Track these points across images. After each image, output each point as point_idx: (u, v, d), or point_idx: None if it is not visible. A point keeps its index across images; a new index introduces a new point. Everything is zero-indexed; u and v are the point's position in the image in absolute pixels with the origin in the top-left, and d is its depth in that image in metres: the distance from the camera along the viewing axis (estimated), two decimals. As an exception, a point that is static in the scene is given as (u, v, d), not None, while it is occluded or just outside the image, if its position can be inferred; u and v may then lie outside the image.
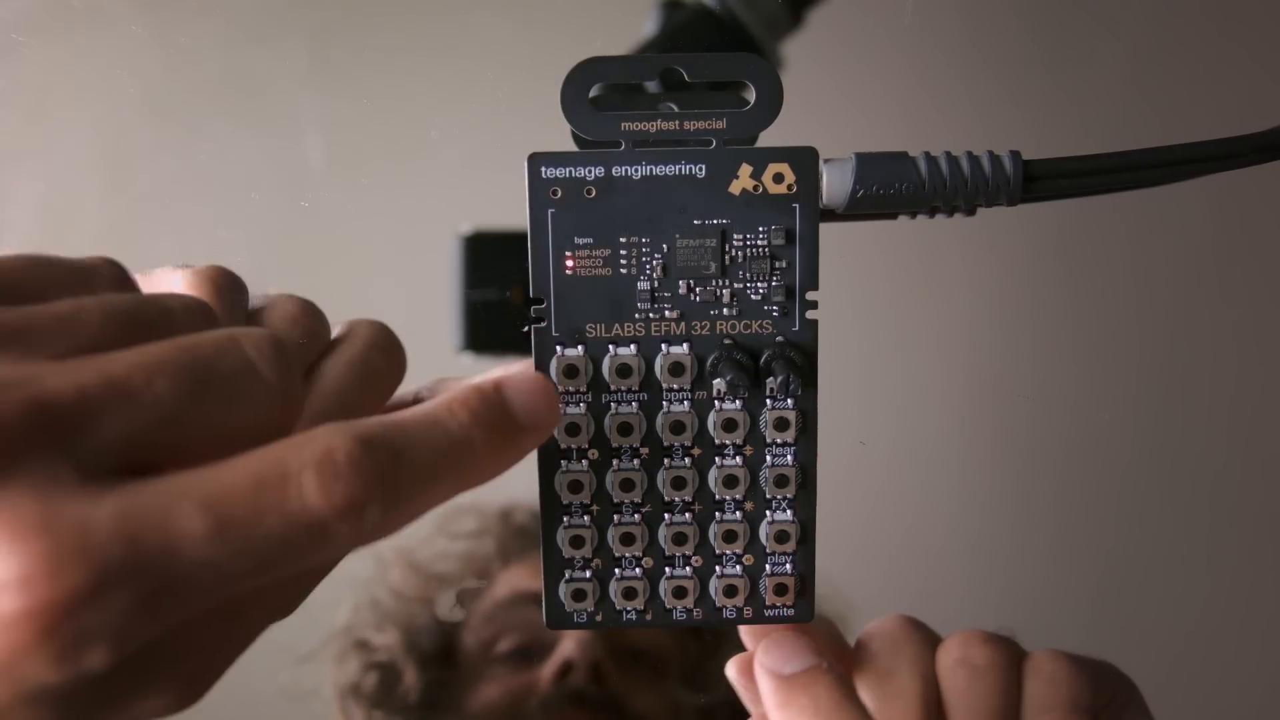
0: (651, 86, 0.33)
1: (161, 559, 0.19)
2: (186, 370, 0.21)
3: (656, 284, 0.29)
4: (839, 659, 0.33)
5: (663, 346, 0.30)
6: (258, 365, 0.22)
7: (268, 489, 0.20)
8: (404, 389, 0.32)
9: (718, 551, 0.31)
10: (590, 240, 0.29)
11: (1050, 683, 0.30)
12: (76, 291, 0.22)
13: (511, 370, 0.27)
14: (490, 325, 0.63)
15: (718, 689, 0.74)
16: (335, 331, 0.31)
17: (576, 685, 0.71)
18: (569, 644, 0.73)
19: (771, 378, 0.29)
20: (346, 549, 0.22)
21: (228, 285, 0.28)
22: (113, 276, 0.24)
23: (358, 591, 0.82)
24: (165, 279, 0.28)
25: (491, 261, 0.64)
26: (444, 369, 0.30)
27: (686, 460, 0.30)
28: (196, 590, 0.20)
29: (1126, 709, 0.33)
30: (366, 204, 0.84)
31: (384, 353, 0.29)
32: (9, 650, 0.19)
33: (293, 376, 0.23)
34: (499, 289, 0.62)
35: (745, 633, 0.32)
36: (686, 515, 0.31)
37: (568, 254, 0.29)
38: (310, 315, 0.29)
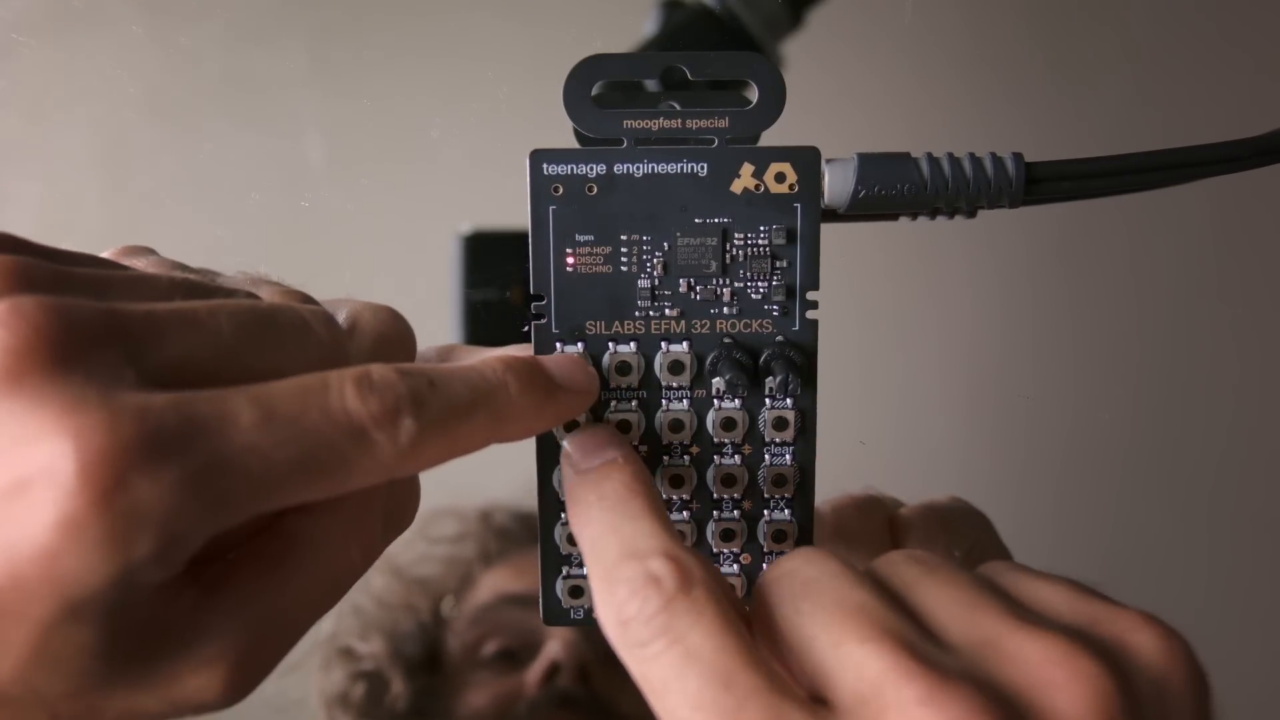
0: (652, 86, 0.33)
1: (212, 436, 0.20)
2: (248, 315, 0.23)
3: (657, 282, 0.29)
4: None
5: (662, 345, 0.30)
6: (312, 324, 0.24)
7: (311, 393, 0.22)
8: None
9: (715, 550, 0.31)
10: (591, 237, 0.29)
11: (926, 538, 0.33)
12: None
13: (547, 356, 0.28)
14: (490, 325, 0.63)
15: None
16: (342, 315, 0.31)
17: (563, 687, 0.71)
18: (555, 645, 0.72)
19: (771, 377, 0.29)
20: (389, 464, 0.22)
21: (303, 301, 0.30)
22: (180, 268, 0.27)
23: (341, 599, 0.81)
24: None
25: (491, 261, 0.64)
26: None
27: (685, 458, 0.30)
28: (247, 480, 0.20)
29: (988, 550, 0.35)
30: (366, 204, 0.84)
31: (391, 345, 0.30)
32: (58, 531, 0.19)
33: (340, 339, 0.25)
34: (499, 289, 0.62)
35: None
36: (684, 514, 0.31)
37: (568, 251, 0.29)
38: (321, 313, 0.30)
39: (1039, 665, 0.21)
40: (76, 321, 0.20)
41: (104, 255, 0.29)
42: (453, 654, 0.77)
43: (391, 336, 0.30)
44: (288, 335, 0.23)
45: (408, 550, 0.83)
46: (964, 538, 0.35)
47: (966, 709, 0.20)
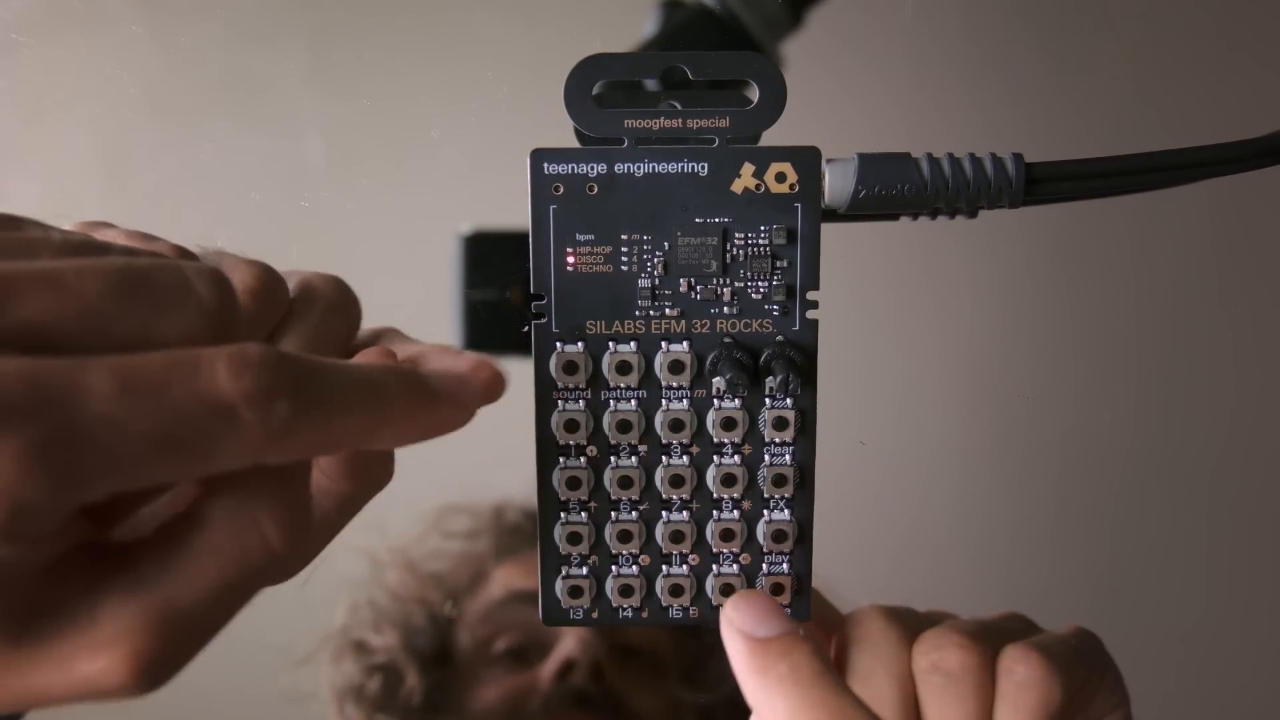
0: (652, 86, 0.33)
1: (62, 404, 0.19)
2: (121, 275, 0.21)
3: (657, 281, 0.29)
4: (822, 624, 0.33)
5: (663, 344, 0.30)
6: (195, 284, 0.22)
7: (178, 368, 0.20)
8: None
9: (715, 550, 0.31)
10: (592, 237, 0.29)
11: (1021, 686, 0.31)
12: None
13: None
14: (490, 325, 0.63)
15: (718, 688, 0.74)
16: (290, 284, 0.31)
17: (578, 685, 0.71)
18: (569, 643, 0.72)
19: (771, 377, 0.29)
20: (258, 447, 0.21)
21: (177, 253, 0.29)
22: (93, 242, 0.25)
23: (352, 592, 0.82)
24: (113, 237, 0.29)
25: (491, 261, 0.64)
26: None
27: (685, 458, 0.30)
28: (100, 454, 0.19)
29: (1098, 693, 0.33)
30: (367, 204, 0.84)
31: (341, 312, 0.30)
32: None
33: (228, 303, 0.23)
34: (499, 289, 0.62)
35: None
36: (684, 513, 0.31)
37: (569, 250, 0.29)
38: (266, 280, 0.30)
39: None
40: None
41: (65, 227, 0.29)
42: (464, 649, 0.78)
43: (336, 304, 0.30)
44: (165, 298, 0.22)
45: (421, 545, 0.83)
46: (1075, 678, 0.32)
47: None
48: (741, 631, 0.28)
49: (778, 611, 0.28)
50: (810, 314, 0.30)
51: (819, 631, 0.33)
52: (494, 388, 0.27)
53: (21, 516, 0.19)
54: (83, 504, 0.20)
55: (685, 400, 0.30)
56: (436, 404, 0.25)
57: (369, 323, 0.33)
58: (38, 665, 0.21)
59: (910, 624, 0.33)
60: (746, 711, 0.33)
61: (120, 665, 0.21)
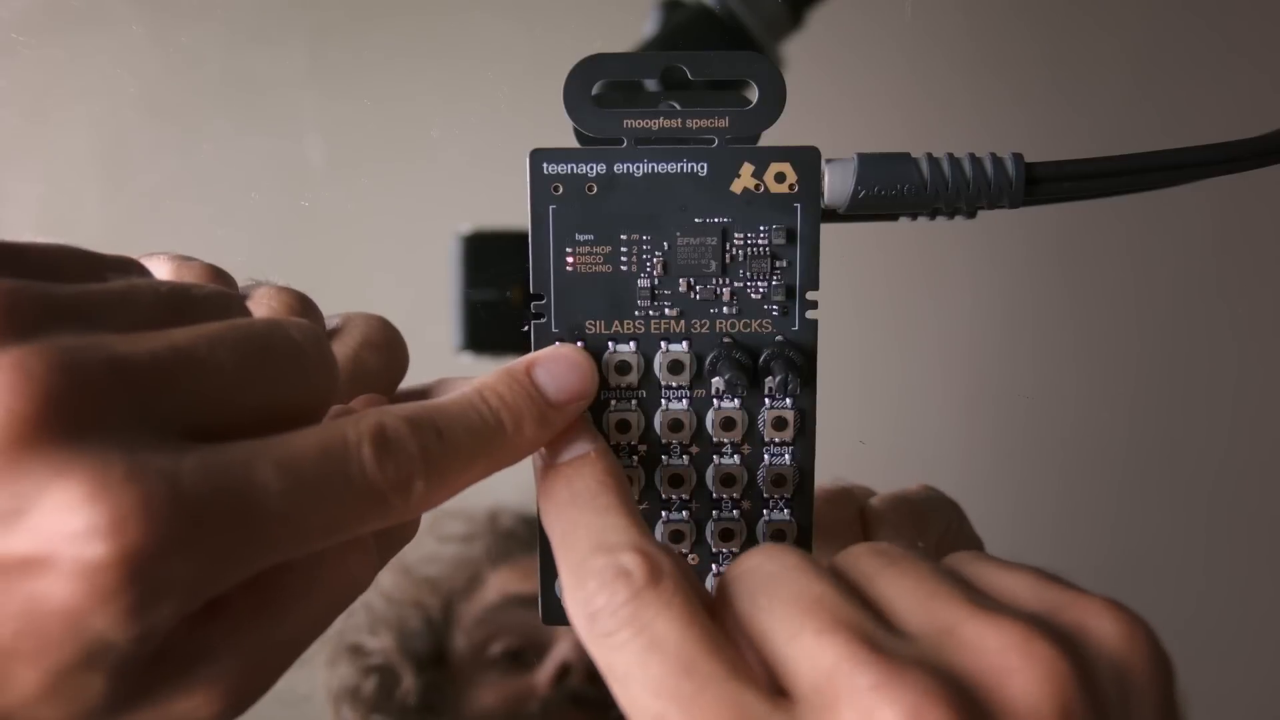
0: (651, 86, 0.33)
1: (245, 510, 0.20)
2: (244, 343, 0.22)
3: (657, 282, 0.29)
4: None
5: (662, 344, 0.30)
6: (304, 345, 0.23)
7: (333, 456, 0.22)
8: (406, 386, 0.32)
9: (714, 550, 0.31)
10: (591, 237, 0.29)
11: (894, 529, 0.34)
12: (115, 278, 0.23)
13: (543, 351, 0.28)
14: (490, 325, 0.63)
15: None
16: (333, 324, 0.31)
17: (575, 687, 0.71)
18: (565, 646, 0.73)
19: (770, 377, 0.29)
20: (396, 519, 0.23)
21: (221, 278, 0.30)
22: (141, 269, 0.25)
23: None
24: (159, 267, 0.29)
25: (491, 261, 0.64)
26: (444, 369, 0.30)
27: (684, 458, 0.30)
28: (271, 545, 0.21)
29: (959, 539, 0.35)
30: (367, 204, 0.84)
31: (377, 350, 0.31)
32: (88, 598, 0.19)
33: (330, 359, 0.24)
34: (499, 289, 0.62)
35: None
36: (683, 513, 0.31)
37: (568, 250, 0.29)
38: (304, 307, 0.30)
39: (996, 652, 0.21)
40: (85, 378, 0.19)
41: (153, 260, 0.29)
42: (460, 652, 0.78)
43: (381, 343, 0.31)
44: (284, 363, 0.23)
45: (416, 548, 0.83)
46: (934, 527, 0.35)
47: (919, 695, 0.20)
48: (543, 459, 0.27)
49: (579, 436, 0.27)
50: (810, 314, 0.30)
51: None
52: (590, 389, 0.28)
53: (188, 600, 0.20)
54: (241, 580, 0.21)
55: (684, 400, 0.30)
56: (551, 418, 0.26)
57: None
58: (141, 709, 0.21)
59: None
60: None
61: (213, 704, 0.22)
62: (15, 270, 0.21)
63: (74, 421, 0.19)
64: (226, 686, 0.22)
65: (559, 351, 0.28)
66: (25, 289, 0.20)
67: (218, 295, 0.24)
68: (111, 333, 0.21)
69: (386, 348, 0.31)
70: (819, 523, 0.32)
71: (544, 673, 0.72)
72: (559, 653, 0.73)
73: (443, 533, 0.84)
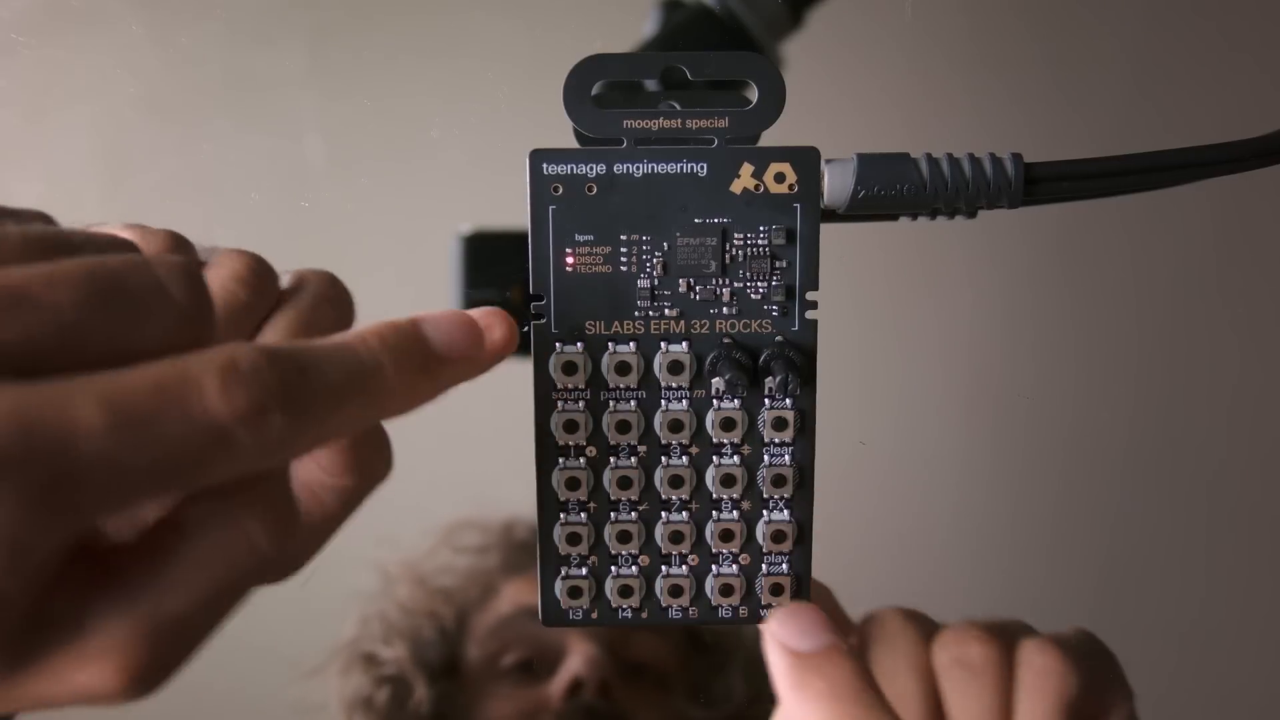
0: (651, 86, 0.33)
1: (57, 447, 0.18)
2: (89, 282, 0.20)
3: (656, 282, 0.29)
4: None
5: (662, 345, 0.30)
6: (167, 285, 0.21)
7: (168, 389, 0.20)
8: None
9: (714, 550, 0.31)
10: (591, 237, 0.29)
11: (1040, 675, 0.32)
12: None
13: (431, 312, 0.26)
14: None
15: (725, 706, 0.74)
16: (285, 281, 0.31)
17: (588, 700, 0.71)
18: (576, 660, 0.72)
19: (770, 377, 0.29)
20: (252, 462, 0.21)
21: (175, 242, 0.29)
22: (44, 219, 0.24)
23: (362, 605, 0.82)
24: (114, 232, 0.28)
25: (491, 261, 0.64)
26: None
27: (684, 459, 0.30)
28: (96, 489, 0.19)
29: (1108, 688, 0.33)
30: (366, 204, 0.84)
31: (333, 305, 0.30)
32: None
33: (203, 302, 0.22)
34: (499, 289, 0.62)
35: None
36: (683, 514, 0.31)
37: (568, 251, 0.29)
38: (258, 270, 0.29)
39: None
40: None
41: (110, 229, 0.28)
42: (473, 663, 0.78)
43: (328, 296, 0.30)
44: (140, 303, 0.21)
45: (431, 559, 0.84)
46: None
47: None
48: (783, 644, 0.28)
49: (820, 624, 0.28)
50: (809, 314, 0.30)
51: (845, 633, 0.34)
52: (507, 340, 0.26)
53: (19, 556, 0.19)
54: (78, 532, 0.19)
55: (684, 401, 0.30)
56: (436, 369, 0.25)
57: (368, 321, 0.33)
58: (32, 678, 0.21)
59: (926, 623, 0.33)
60: None
61: (112, 675, 0.21)
62: None
63: None
64: (124, 657, 0.21)
65: (448, 312, 0.26)
66: None
67: (90, 242, 0.22)
68: None
69: (339, 302, 0.30)
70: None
71: (557, 685, 0.72)
72: (572, 665, 0.73)
73: (458, 544, 0.84)
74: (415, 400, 0.25)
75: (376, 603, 0.82)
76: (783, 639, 0.28)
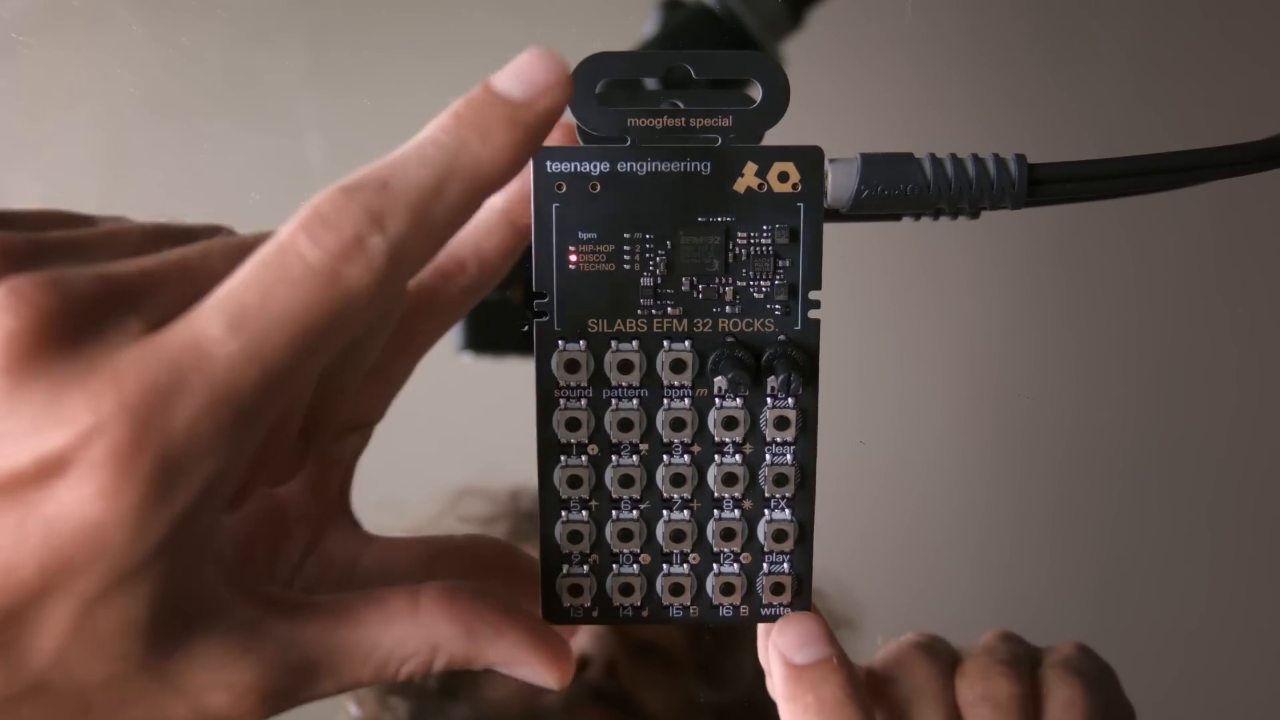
0: (652, 86, 0.33)
1: (195, 370, 0.20)
2: (235, 250, 0.22)
3: (659, 280, 0.29)
4: None
5: (665, 343, 0.30)
6: (299, 246, 0.22)
7: (268, 267, 0.21)
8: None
9: (715, 549, 0.31)
10: (594, 235, 0.29)
11: (1067, 707, 0.32)
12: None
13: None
14: (491, 324, 0.63)
15: (733, 686, 0.74)
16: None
17: (594, 681, 0.71)
18: (583, 638, 0.72)
19: (773, 376, 0.29)
20: (379, 288, 0.21)
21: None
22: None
23: None
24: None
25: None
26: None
27: (686, 457, 0.30)
28: (246, 388, 0.20)
29: (1115, 707, 0.34)
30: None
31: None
32: (110, 497, 0.19)
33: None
34: (500, 288, 0.62)
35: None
36: (685, 512, 0.31)
37: (571, 249, 0.29)
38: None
39: None
40: (75, 293, 0.20)
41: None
42: None
43: None
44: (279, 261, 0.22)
45: (436, 528, 0.83)
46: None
47: None
48: (781, 654, 0.28)
49: (818, 636, 0.29)
50: (812, 314, 0.30)
51: None
52: (562, 77, 0.24)
53: (217, 478, 0.20)
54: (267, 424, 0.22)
55: (687, 399, 0.30)
56: (525, 115, 0.23)
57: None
58: (174, 687, 0.22)
59: (947, 656, 0.33)
60: (761, 710, 0.33)
61: (242, 706, 0.23)
62: (4, 226, 0.22)
63: (66, 334, 0.20)
64: (262, 694, 0.22)
65: (513, 61, 0.24)
66: (15, 235, 0.21)
67: (205, 228, 0.25)
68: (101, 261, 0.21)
69: None
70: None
71: None
72: (577, 644, 0.73)
73: (464, 513, 0.84)
74: (520, 156, 0.24)
75: None
76: (781, 649, 0.29)
